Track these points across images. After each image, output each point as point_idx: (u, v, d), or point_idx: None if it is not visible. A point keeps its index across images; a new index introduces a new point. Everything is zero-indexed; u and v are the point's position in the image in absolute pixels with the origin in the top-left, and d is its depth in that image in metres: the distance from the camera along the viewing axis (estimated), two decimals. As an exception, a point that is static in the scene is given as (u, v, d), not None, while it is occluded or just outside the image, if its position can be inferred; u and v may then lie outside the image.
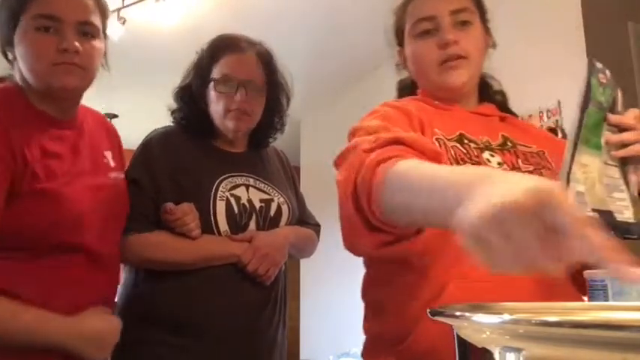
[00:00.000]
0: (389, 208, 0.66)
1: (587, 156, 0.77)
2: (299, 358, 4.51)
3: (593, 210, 0.74)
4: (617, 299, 0.75)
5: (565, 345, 0.20)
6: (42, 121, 1.05)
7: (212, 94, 1.32)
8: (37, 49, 1.01)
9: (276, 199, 1.36)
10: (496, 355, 0.23)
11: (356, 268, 0.96)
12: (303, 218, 1.48)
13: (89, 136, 1.14)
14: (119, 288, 1.26)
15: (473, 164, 0.86)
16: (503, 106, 1.09)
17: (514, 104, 1.12)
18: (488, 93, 1.08)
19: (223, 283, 1.24)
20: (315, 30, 3.49)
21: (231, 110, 1.30)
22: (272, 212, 1.34)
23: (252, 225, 1.29)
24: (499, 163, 0.89)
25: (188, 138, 1.35)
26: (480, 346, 0.24)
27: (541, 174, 0.90)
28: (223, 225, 1.26)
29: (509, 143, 0.96)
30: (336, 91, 4.37)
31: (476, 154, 0.88)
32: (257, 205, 1.31)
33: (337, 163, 0.82)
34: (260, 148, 1.45)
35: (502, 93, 1.11)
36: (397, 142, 0.74)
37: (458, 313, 0.24)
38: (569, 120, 1.53)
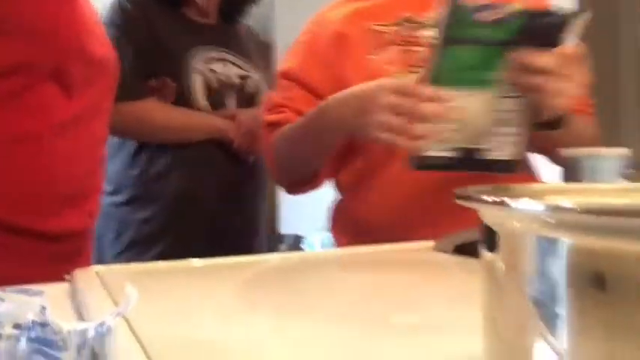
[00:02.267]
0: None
1: (464, 98, 0.74)
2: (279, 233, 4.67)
3: (454, 149, 0.75)
4: (591, 179, 0.75)
5: (621, 235, 0.17)
6: None
7: None
8: None
9: (253, 76, 1.31)
10: (533, 246, 0.20)
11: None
12: None
13: None
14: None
15: (408, 43, 0.89)
16: None
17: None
18: None
19: (206, 160, 1.22)
20: None
21: None
22: (250, 89, 1.30)
23: (232, 102, 1.25)
24: None
25: (156, 5, 1.25)
26: (515, 235, 0.21)
27: None
28: (202, 99, 1.21)
29: None
30: None
31: (415, 34, 0.89)
32: (236, 81, 1.26)
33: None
34: (233, 22, 1.37)
35: None
36: (280, 108, 0.94)
37: (489, 199, 0.21)
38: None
